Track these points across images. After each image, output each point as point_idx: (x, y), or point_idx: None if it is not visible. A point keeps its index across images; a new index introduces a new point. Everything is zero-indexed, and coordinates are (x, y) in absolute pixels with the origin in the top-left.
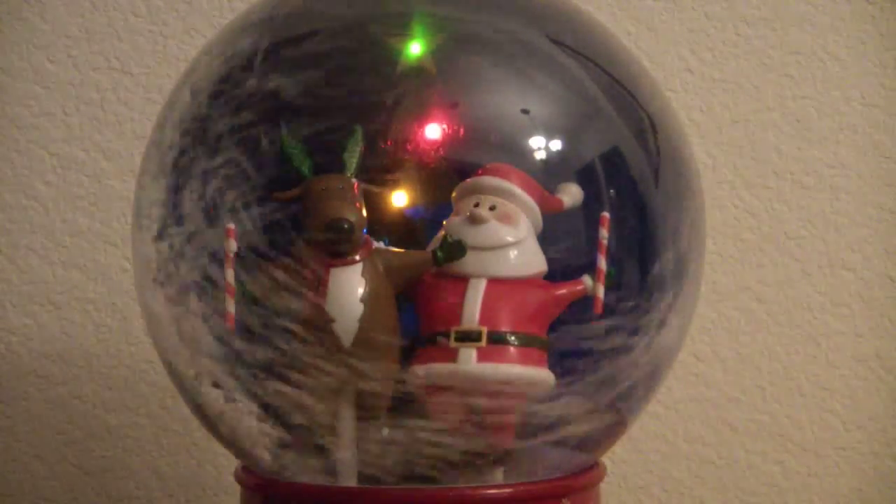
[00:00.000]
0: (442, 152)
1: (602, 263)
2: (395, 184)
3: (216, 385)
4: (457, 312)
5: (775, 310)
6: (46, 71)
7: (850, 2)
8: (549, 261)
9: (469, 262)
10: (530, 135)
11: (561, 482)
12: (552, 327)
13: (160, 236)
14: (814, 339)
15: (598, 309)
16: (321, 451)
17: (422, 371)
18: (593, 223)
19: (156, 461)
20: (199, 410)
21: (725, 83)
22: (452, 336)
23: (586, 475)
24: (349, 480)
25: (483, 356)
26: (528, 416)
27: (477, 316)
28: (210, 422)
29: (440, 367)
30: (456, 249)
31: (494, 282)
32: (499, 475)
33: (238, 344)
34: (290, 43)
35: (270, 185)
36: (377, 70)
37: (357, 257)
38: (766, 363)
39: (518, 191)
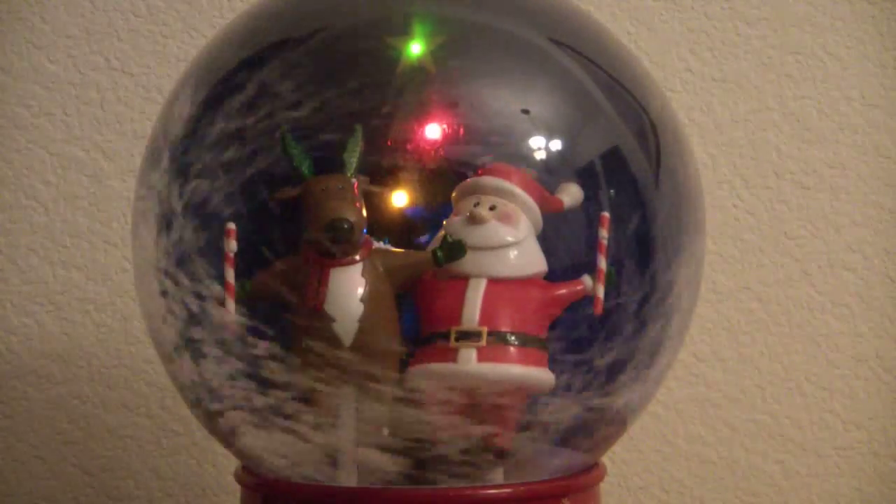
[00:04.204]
0: (442, 152)
1: (602, 263)
2: (395, 184)
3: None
4: (457, 312)
5: (775, 310)
6: (46, 71)
7: (850, 2)
8: (549, 261)
9: (469, 262)
10: (530, 135)
11: (561, 482)
12: (552, 327)
13: (160, 234)
14: (814, 339)
15: (598, 309)
16: (321, 450)
17: (422, 371)
18: (593, 223)
19: (156, 461)
20: (199, 410)
21: (725, 83)
22: (452, 336)
23: (586, 475)
24: (349, 480)
25: (483, 356)
26: (527, 415)
27: (477, 316)
28: (210, 421)
29: (440, 367)
30: (456, 249)
31: (494, 282)
32: (499, 475)
33: (238, 344)
34: (291, 42)
35: (271, 185)
36: (377, 70)
37: (357, 257)
38: (766, 363)
39: (518, 191)
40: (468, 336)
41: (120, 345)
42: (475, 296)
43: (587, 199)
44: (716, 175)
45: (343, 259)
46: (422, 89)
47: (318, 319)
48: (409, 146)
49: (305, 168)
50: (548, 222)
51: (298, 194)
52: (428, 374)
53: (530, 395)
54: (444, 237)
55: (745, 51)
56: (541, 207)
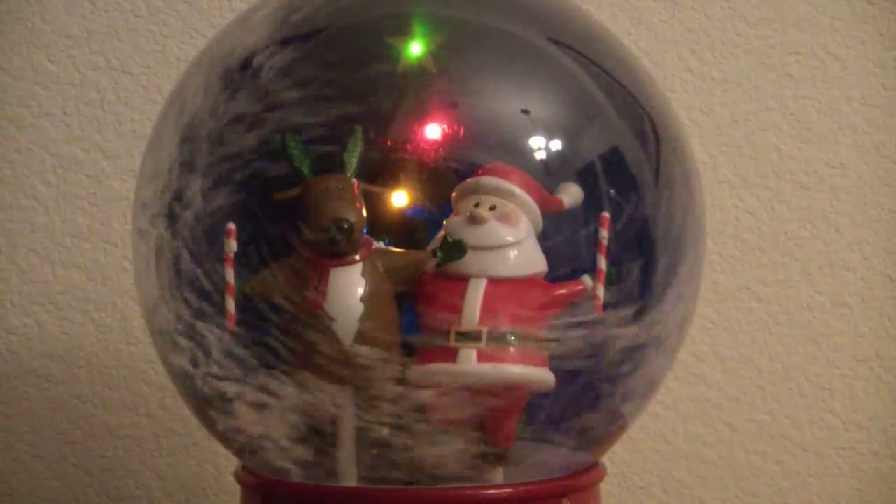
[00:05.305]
0: (442, 152)
1: (602, 263)
2: (395, 184)
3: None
4: (457, 312)
5: (775, 310)
6: (46, 71)
7: (850, 2)
8: (549, 261)
9: (469, 262)
10: (530, 135)
11: (561, 482)
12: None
13: (160, 234)
14: (814, 339)
15: (598, 309)
16: (321, 450)
17: (422, 371)
18: (593, 223)
19: (156, 461)
20: (199, 409)
21: (725, 83)
22: (452, 336)
23: (586, 475)
24: (349, 480)
25: (483, 356)
26: (527, 415)
27: (477, 316)
28: (210, 421)
29: (440, 367)
30: (456, 249)
31: (494, 282)
32: (499, 475)
33: (238, 344)
34: (291, 43)
35: (270, 185)
36: (377, 70)
37: (357, 257)
38: (766, 363)
39: (518, 191)
40: (468, 336)
41: (120, 345)
42: (475, 296)
43: (587, 199)
44: (716, 175)
45: (343, 259)
46: (422, 89)
47: (318, 319)
48: (409, 146)
49: (305, 168)
50: (548, 222)
51: (298, 194)
52: (428, 375)
53: (530, 395)
54: (444, 237)
55: (745, 51)
56: (541, 207)
